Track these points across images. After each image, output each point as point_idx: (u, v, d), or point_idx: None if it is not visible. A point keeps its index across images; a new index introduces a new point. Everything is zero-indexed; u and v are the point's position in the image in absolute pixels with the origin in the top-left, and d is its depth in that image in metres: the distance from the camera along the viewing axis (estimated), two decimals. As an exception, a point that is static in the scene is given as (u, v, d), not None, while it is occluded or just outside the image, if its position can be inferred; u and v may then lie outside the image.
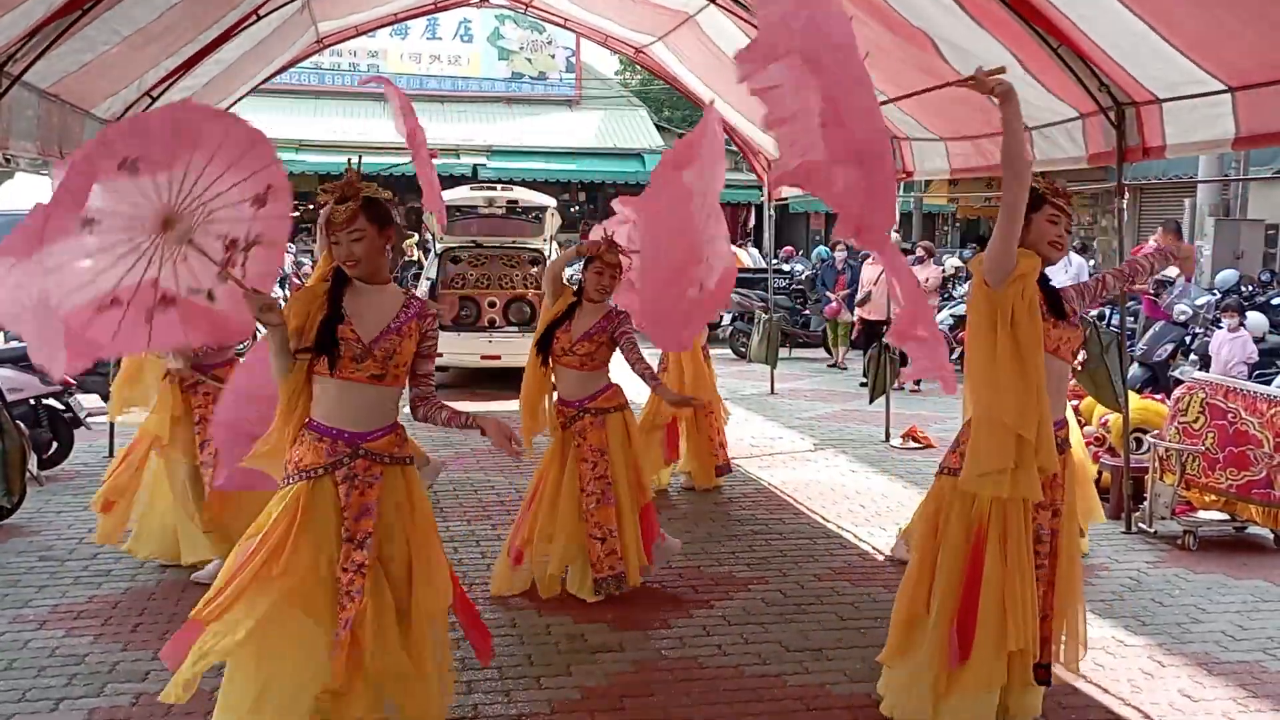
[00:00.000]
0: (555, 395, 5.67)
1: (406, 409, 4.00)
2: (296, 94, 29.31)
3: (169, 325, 3.74)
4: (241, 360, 5.41)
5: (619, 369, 5.62)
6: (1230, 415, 6.78)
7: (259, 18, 8.77)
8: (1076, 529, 4.11)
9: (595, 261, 5.59)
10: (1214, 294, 12.07)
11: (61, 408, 8.10)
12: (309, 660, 3.57)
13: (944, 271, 15.29)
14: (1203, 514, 6.85)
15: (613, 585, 5.49)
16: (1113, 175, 7.02)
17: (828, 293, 15.41)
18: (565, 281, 5.84)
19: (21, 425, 7.02)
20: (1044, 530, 4.00)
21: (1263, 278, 14.64)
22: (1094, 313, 11.18)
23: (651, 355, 6.22)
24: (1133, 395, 7.71)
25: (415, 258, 22.02)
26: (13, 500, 6.69)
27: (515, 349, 11.21)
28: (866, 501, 7.84)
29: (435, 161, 27.15)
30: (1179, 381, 8.36)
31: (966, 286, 16.58)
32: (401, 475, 3.90)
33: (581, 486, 5.47)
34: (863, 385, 12.24)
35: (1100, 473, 7.54)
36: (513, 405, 5.73)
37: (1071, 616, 4.13)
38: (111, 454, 8.56)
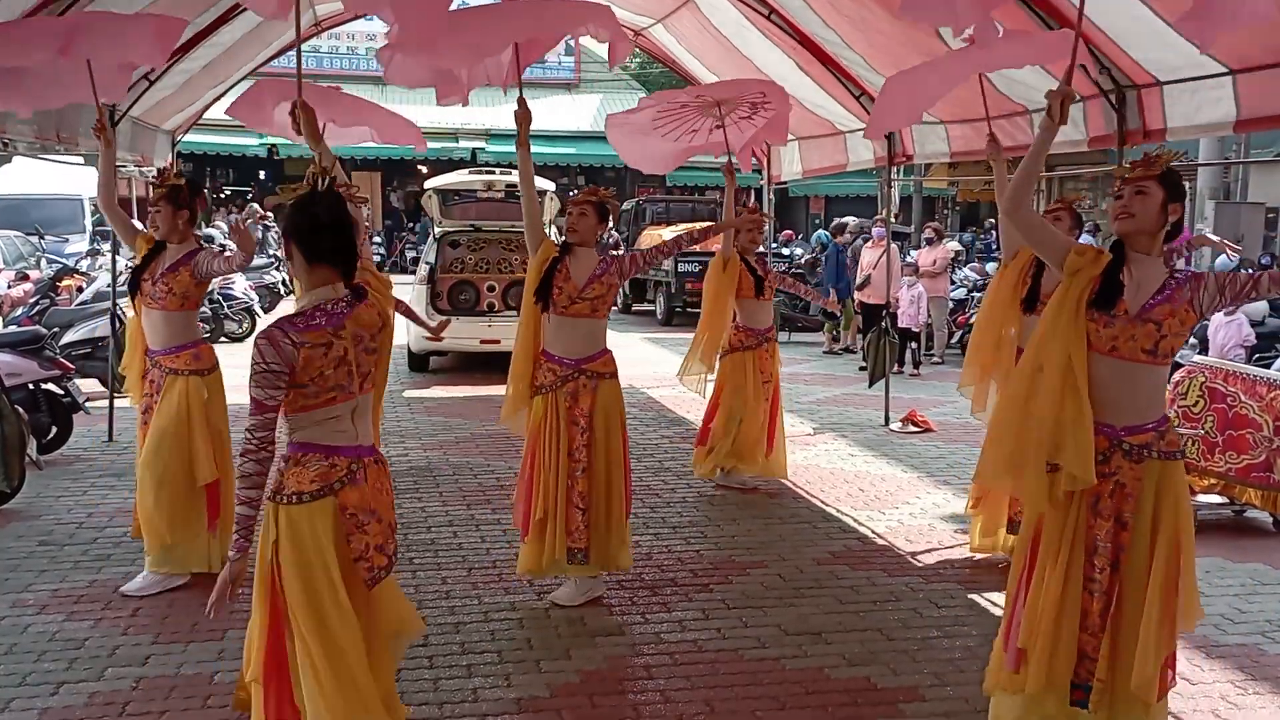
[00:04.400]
0: (544, 352, 5.37)
1: None
2: (294, 77, 29.20)
3: None
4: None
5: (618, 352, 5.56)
6: (1230, 399, 6.78)
7: (256, 0, 8.72)
8: (1171, 550, 3.62)
9: (573, 205, 5.41)
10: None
11: (60, 393, 8.09)
12: None
13: (950, 254, 15.29)
14: (1202, 497, 6.85)
15: (580, 557, 5.25)
16: (1113, 158, 7.00)
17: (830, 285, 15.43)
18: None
19: (20, 410, 7.01)
20: (1101, 542, 3.64)
21: (1263, 261, 14.62)
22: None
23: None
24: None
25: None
26: (12, 485, 6.69)
27: (514, 333, 11.19)
28: (866, 485, 7.85)
29: (434, 146, 27.12)
30: (1178, 365, 8.36)
31: (967, 270, 16.60)
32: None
33: (570, 451, 5.23)
34: (862, 369, 12.24)
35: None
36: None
37: (1144, 644, 3.57)
38: (111, 439, 8.57)
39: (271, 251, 20.03)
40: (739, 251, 7.41)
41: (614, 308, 16.69)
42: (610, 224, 5.53)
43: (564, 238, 5.45)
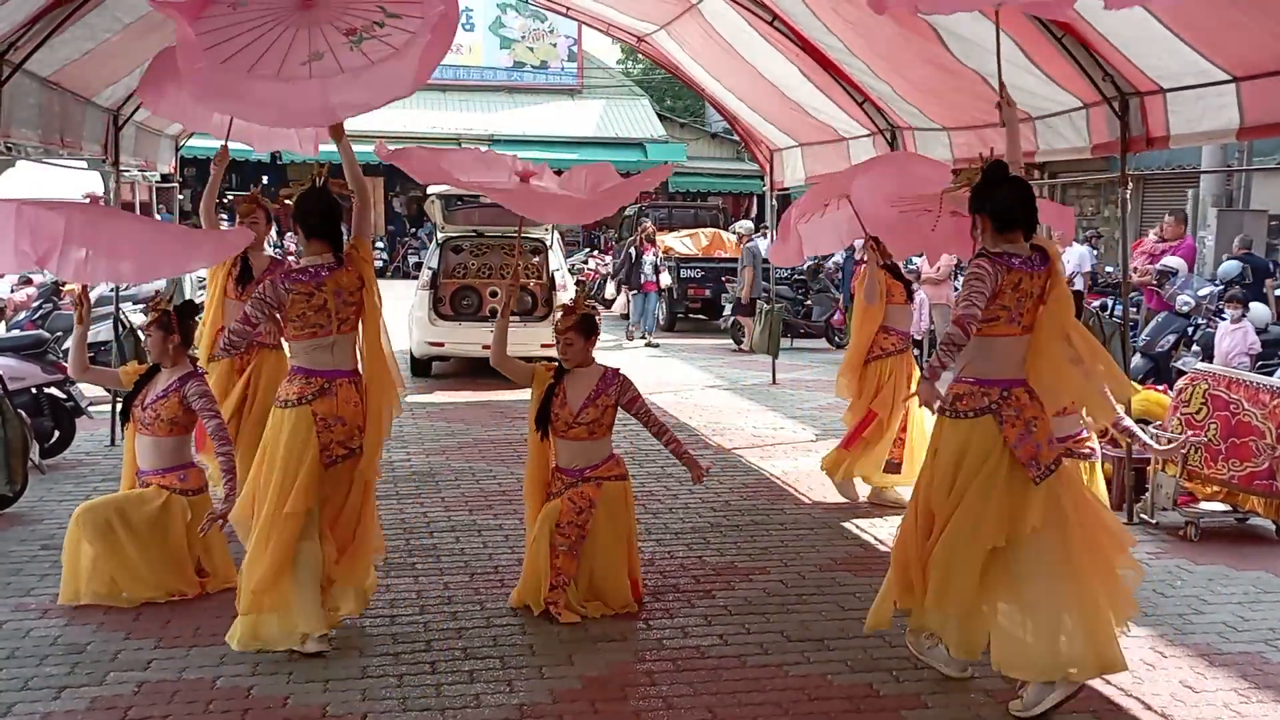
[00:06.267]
0: (554, 464, 5.47)
1: None
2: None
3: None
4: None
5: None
6: (1233, 406, 6.77)
7: (260, 6, 8.73)
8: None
9: (559, 335, 5.41)
10: (1216, 285, 12.03)
11: (63, 396, 8.10)
12: None
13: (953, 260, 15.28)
14: (1205, 505, 6.84)
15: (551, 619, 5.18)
16: (1116, 165, 7.01)
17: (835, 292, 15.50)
18: (522, 360, 5.58)
19: (23, 414, 7.02)
20: None
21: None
22: (1096, 304, 11.18)
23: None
24: (1135, 386, 7.70)
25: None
26: (15, 489, 6.69)
27: (516, 339, 11.16)
28: (867, 492, 7.82)
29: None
30: (1181, 372, 8.34)
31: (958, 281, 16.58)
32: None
33: (558, 522, 5.22)
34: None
35: (1102, 464, 7.53)
36: (512, 396, 5.64)
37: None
38: (113, 443, 8.57)
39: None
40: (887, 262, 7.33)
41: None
42: (599, 335, 5.50)
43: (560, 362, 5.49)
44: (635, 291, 16.74)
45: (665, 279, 17.35)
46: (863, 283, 7.35)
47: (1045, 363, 4.30)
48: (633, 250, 16.59)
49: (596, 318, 5.47)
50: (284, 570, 4.65)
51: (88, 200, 5.47)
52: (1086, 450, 5.80)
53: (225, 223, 22.88)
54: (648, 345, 16.26)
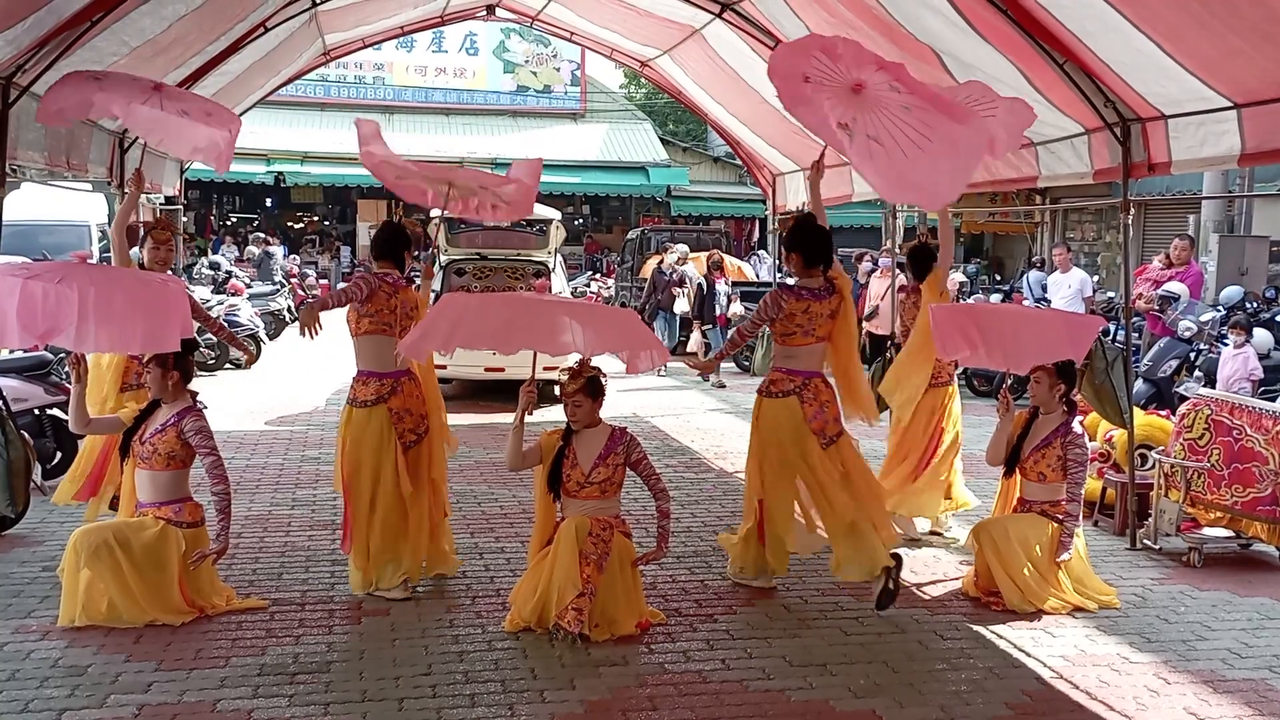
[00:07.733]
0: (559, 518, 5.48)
1: None
2: (302, 105, 29.47)
3: None
4: None
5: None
6: (1236, 432, 6.76)
7: (266, 30, 8.81)
8: None
9: (566, 399, 5.41)
10: (1218, 310, 12.04)
11: (66, 418, 8.09)
12: None
13: (956, 285, 15.30)
14: (1208, 531, 6.83)
15: (565, 638, 5.12)
16: (1118, 191, 7.03)
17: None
18: (534, 447, 5.49)
19: (26, 435, 7.02)
20: None
21: (1267, 294, 14.61)
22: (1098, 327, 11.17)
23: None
24: (1137, 411, 7.68)
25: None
26: (16, 510, 6.68)
27: (519, 361, 11.14)
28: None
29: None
30: (1184, 398, 8.33)
31: (972, 302, 16.59)
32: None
33: (590, 530, 5.24)
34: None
35: (1105, 489, 7.53)
36: (513, 419, 5.59)
37: None
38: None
39: (278, 278, 20.07)
40: None
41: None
42: (605, 395, 5.55)
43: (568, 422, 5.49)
44: (710, 326, 15.30)
45: (736, 309, 15.40)
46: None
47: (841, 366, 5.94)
48: (703, 282, 15.43)
49: (602, 379, 5.49)
50: (399, 538, 5.72)
51: (75, 260, 5.37)
52: (1060, 515, 5.93)
53: (225, 255, 22.88)
54: (719, 385, 14.55)
